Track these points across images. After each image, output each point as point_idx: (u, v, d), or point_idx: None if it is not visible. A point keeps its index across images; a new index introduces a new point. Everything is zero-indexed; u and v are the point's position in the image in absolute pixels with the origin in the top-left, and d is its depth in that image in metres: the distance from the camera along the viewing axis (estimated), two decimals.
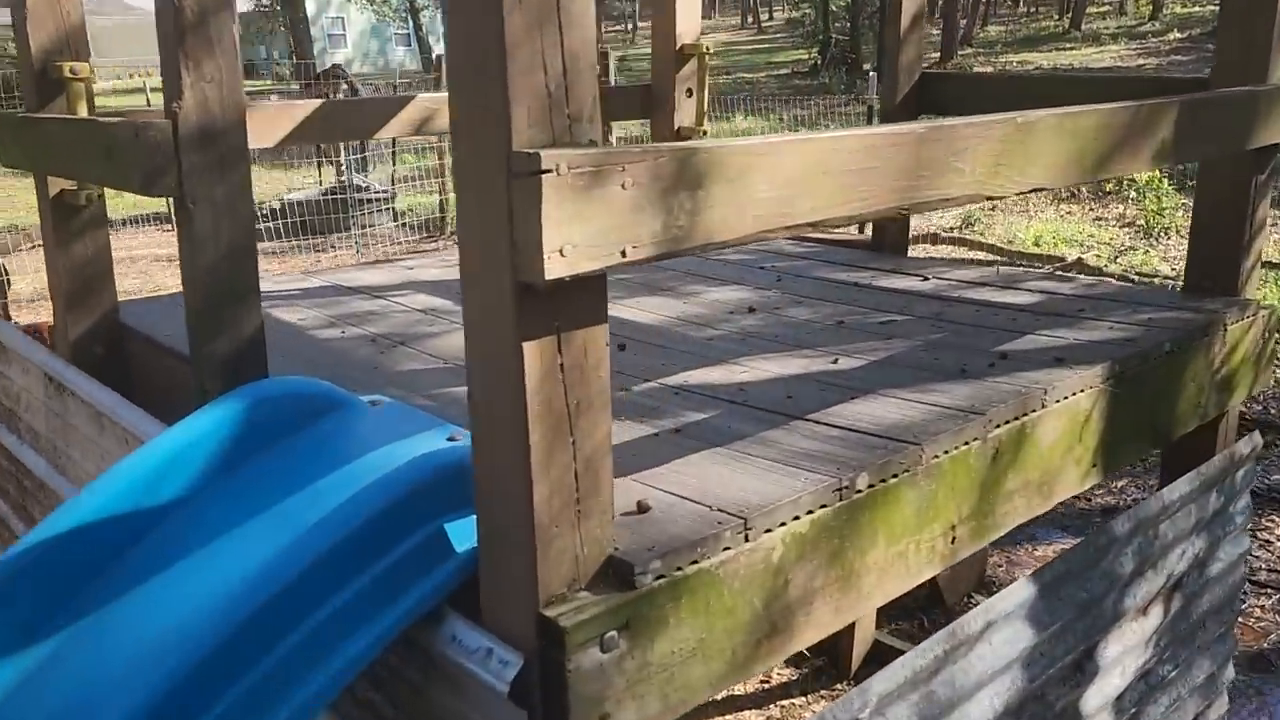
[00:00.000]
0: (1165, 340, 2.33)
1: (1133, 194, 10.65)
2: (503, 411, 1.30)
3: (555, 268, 1.20)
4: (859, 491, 1.66)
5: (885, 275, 3.12)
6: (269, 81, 34.33)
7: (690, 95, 3.97)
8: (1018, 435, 1.96)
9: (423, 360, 2.42)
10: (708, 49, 3.89)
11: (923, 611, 4.21)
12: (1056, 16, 35.01)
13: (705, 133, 4.00)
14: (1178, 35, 26.61)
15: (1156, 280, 8.32)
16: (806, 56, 30.02)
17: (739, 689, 3.83)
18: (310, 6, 39.89)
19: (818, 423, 1.91)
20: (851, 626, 3.85)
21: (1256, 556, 4.55)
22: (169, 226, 12.37)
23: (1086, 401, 2.12)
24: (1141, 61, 23.72)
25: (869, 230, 3.82)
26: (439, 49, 42.28)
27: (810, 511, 1.59)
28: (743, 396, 2.07)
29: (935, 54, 28.73)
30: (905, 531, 1.76)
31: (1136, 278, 8.36)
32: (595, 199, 1.22)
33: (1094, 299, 2.75)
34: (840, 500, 1.63)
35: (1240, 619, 4.14)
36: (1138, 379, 2.25)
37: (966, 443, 1.85)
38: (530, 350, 1.26)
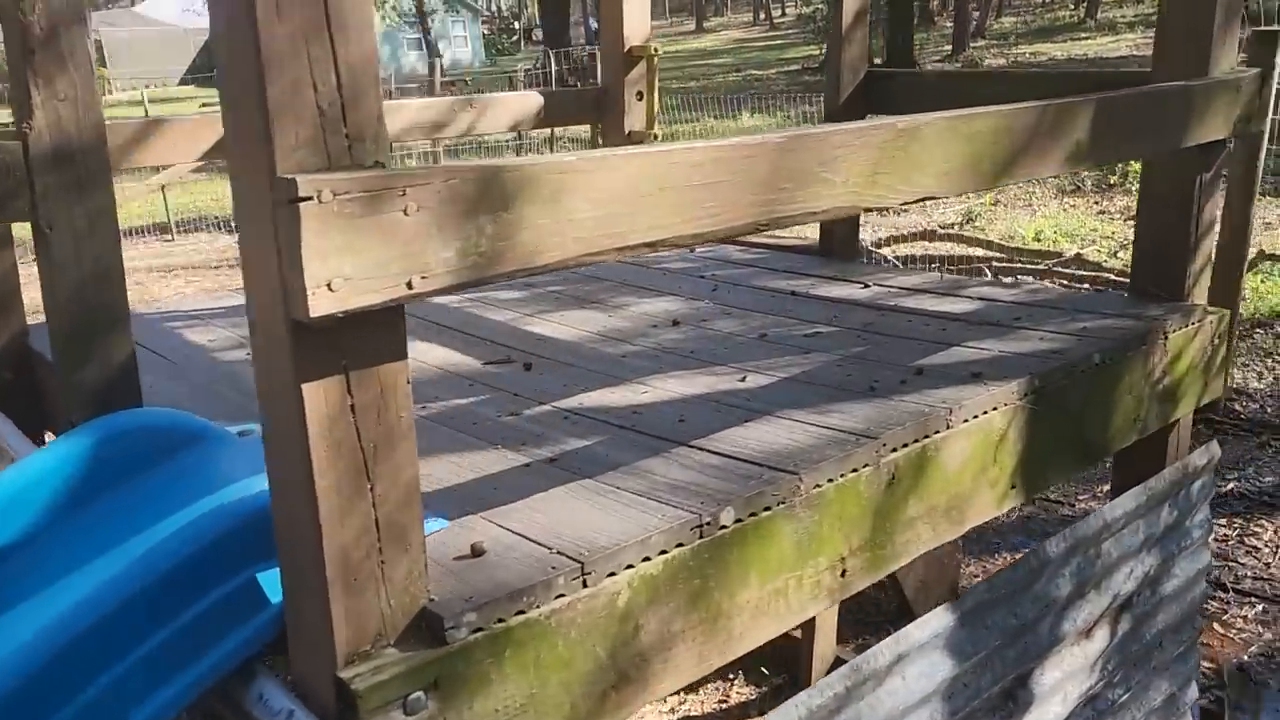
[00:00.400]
0: (1094, 352, 2.20)
1: (1137, 186, 10.41)
2: (291, 456, 1.20)
3: (322, 304, 1.10)
4: (724, 528, 1.55)
5: (825, 283, 3.00)
6: None
7: (640, 98, 3.87)
8: (918, 459, 1.84)
9: None
10: (656, 50, 3.79)
11: (891, 625, 4.08)
12: (1072, 6, 34.58)
13: (657, 136, 3.90)
14: None
15: None
16: (817, 52, 29.77)
17: (694, 709, 3.72)
18: None
19: (701, 449, 1.80)
20: (811, 642, 3.73)
21: (1242, 564, 4.39)
22: (168, 236, 12.40)
23: (1001, 420, 2.00)
24: None
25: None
26: (448, 54, 42.35)
27: (664, 551, 1.48)
28: (633, 420, 1.97)
29: (948, 47, 28.46)
30: (783, 567, 1.65)
31: None
32: (371, 227, 1.12)
33: (1034, 306, 2.62)
34: (701, 538, 1.52)
35: (1221, 630, 3.98)
36: (1060, 394, 2.12)
37: (855, 469, 1.74)
38: (312, 392, 1.16)
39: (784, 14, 49.03)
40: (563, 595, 1.37)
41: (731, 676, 3.90)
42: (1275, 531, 4.58)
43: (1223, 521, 4.71)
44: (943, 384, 2.05)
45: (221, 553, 1.40)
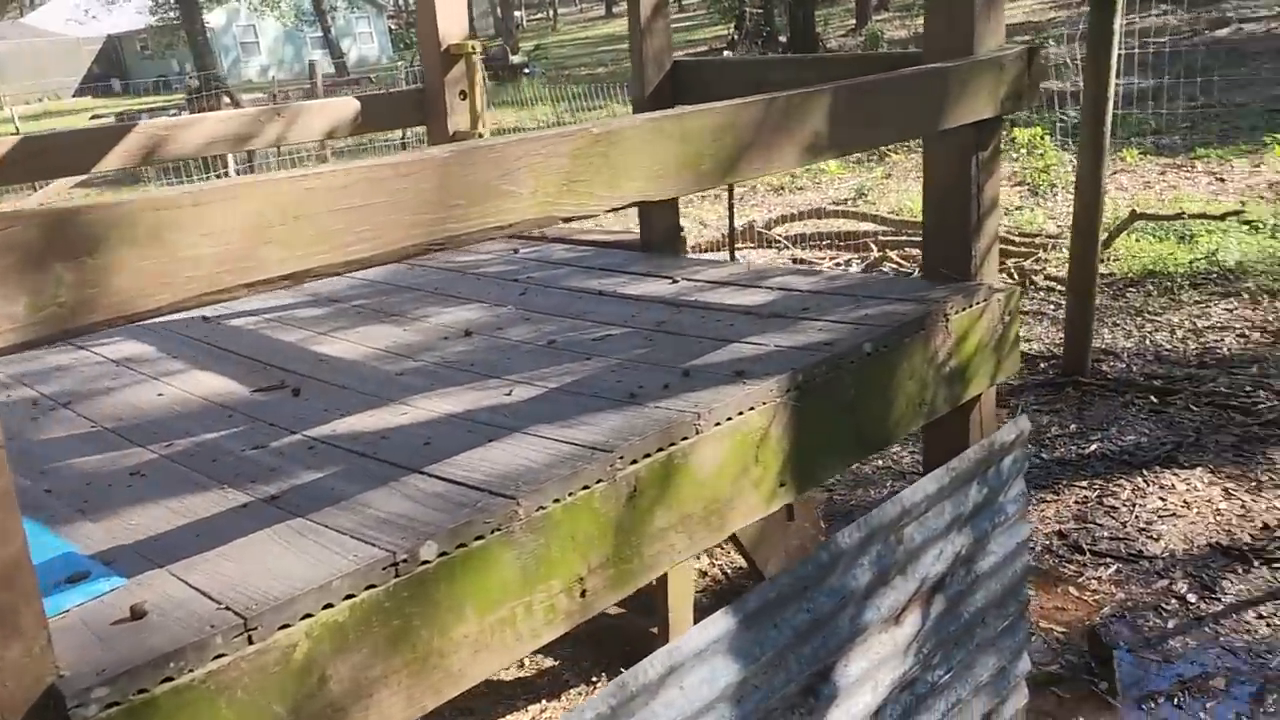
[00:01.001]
0: (865, 341, 2.18)
1: (1017, 153, 10.58)
2: None
3: None
4: (425, 563, 1.48)
5: (636, 280, 2.95)
6: (181, 95, 33.49)
7: (463, 98, 3.77)
8: (663, 469, 1.79)
9: (79, 424, 2.20)
10: (473, 49, 3.69)
11: None
12: None
13: (483, 134, 3.81)
14: None
15: (1038, 240, 8.27)
16: (725, 31, 29.79)
17: (555, 715, 3.66)
18: (220, 17, 39.02)
19: (431, 475, 1.72)
20: (668, 640, 3.68)
21: (1100, 524, 4.46)
22: None
23: (760, 419, 1.96)
24: (1052, 14, 23.76)
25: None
26: (354, 51, 41.54)
27: (350, 596, 1.40)
28: (376, 447, 1.88)
29: (852, 21, 28.68)
30: (507, 596, 1.58)
31: (1018, 239, 8.31)
32: None
33: (827, 295, 2.59)
34: (398, 576, 1.45)
35: (1076, 593, 4.05)
36: (827, 387, 2.09)
37: (586, 486, 1.68)
38: None
39: None
40: (223, 655, 1.29)
41: (595, 680, 3.85)
42: (1133, 490, 4.67)
43: (1084, 483, 4.79)
44: (704, 386, 2.00)
45: None
